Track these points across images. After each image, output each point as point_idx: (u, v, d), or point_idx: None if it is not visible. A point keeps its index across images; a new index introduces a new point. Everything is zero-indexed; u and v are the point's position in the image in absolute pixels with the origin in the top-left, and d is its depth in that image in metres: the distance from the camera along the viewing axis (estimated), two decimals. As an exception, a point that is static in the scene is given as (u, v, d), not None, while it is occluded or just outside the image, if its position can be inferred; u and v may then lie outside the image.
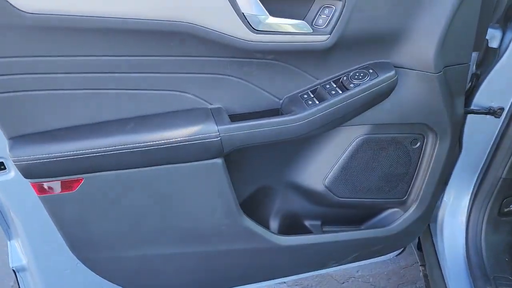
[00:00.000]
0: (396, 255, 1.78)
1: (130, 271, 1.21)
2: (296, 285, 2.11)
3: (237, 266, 1.29)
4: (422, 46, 1.07)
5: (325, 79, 1.12)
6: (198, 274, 1.28)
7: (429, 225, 1.64)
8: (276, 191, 1.32)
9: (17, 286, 1.43)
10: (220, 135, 1.02)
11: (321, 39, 1.02)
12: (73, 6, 0.87)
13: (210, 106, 1.07)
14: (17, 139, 0.95)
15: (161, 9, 0.91)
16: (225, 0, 0.93)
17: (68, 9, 0.87)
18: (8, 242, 1.34)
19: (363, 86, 1.07)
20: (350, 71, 1.11)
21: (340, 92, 1.08)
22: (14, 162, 0.94)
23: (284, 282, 2.12)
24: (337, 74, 1.12)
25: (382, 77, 1.08)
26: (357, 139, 1.20)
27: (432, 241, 1.65)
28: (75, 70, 0.94)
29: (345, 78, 1.10)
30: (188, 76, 1.03)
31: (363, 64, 1.12)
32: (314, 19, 1.02)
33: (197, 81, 1.04)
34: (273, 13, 0.99)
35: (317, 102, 1.07)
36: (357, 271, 2.19)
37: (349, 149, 1.21)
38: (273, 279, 1.45)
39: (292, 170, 1.28)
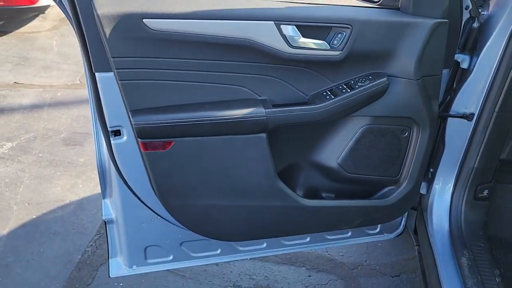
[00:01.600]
0: (395, 236, 2.20)
1: (197, 216, 1.67)
2: (313, 268, 2.52)
3: (272, 221, 1.75)
4: (406, 61, 1.56)
5: (338, 82, 1.61)
6: (243, 225, 1.74)
7: (422, 213, 2.07)
8: (301, 167, 1.79)
9: (105, 236, 1.90)
10: (266, 115, 1.51)
11: (335, 54, 1.52)
12: (182, 26, 1.39)
13: (259, 98, 1.57)
14: (136, 111, 1.45)
15: (232, 29, 1.43)
16: (273, 26, 1.44)
17: (178, 28, 1.39)
18: (103, 200, 1.82)
19: (365, 87, 1.56)
20: (356, 77, 1.60)
21: (349, 91, 1.56)
22: (134, 125, 1.43)
23: (303, 266, 2.53)
24: (347, 79, 1.61)
25: (378, 81, 1.57)
26: (362, 128, 1.67)
27: (425, 225, 2.08)
28: (177, 67, 1.45)
29: (352, 82, 1.59)
30: (246, 76, 1.53)
31: (365, 73, 1.61)
32: (331, 40, 1.52)
33: (251, 80, 1.53)
34: (304, 35, 1.49)
35: (332, 97, 1.56)
36: (365, 261, 2.59)
37: (356, 136, 1.68)
38: (299, 234, 1.90)
39: (313, 151, 1.75)
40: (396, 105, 1.64)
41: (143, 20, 1.34)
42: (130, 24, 1.34)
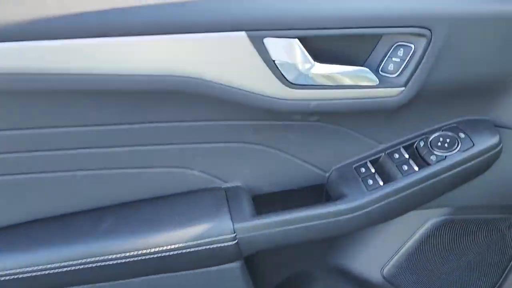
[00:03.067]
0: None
1: None
2: None
3: None
4: None
5: (391, 143, 0.77)
6: None
7: None
8: (316, 278, 0.99)
9: None
10: (238, 236, 0.70)
11: (391, 94, 0.68)
12: (37, 61, 0.57)
13: (224, 185, 0.75)
14: None
15: (158, 60, 0.60)
16: (247, 41, 0.60)
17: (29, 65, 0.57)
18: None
19: (452, 161, 0.72)
20: (429, 133, 0.76)
21: (416, 167, 0.73)
22: None
23: None
24: (409, 137, 0.77)
25: (480, 146, 0.73)
26: (432, 221, 0.86)
27: None
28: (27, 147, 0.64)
29: (422, 143, 0.75)
30: (192, 147, 0.71)
31: (449, 123, 0.77)
32: (381, 63, 0.67)
33: (205, 152, 0.72)
34: (320, 58, 0.65)
35: (381, 183, 0.73)
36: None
37: (419, 232, 0.87)
38: None
39: (338, 254, 0.95)
40: (510, 186, 0.81)
41: None
42: None
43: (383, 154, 0.77)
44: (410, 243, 0.88)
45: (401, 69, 0.67)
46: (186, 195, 0.73)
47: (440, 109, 0.76)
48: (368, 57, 0.68)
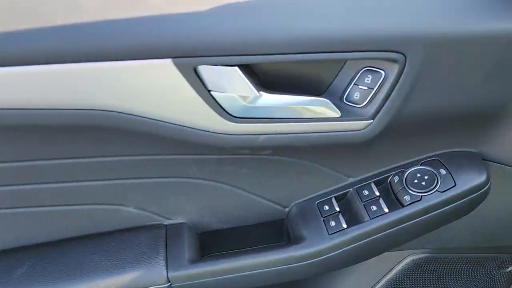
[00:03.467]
0: None
1: None
2: None
3: None
4: None
5: (361, 177, 0.67)
6: None
7: None
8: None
9: None
10: (172, 286, 0.61)
11: (356, 127, 0.57)
12: None
13: (167, 222, 0.66)
14: None
15: (74, 93, 0.50)
16: (175, 71, 0.50)
17: None
18: None
19: (428, 203, 0.62)
20: (406, 166, 0.66)
21: (386, 209, 0.63)
22: None
23: None
24: (382, 170, 0.67)
25: (463, 186, 0.62)
26: (411, 258, 0.76)
27: None
28: None
29: (396, 179, 0.65)
30: (128, 182, 0.61)
31: (429, 155, 0.66)
32: (345, 91, 0.57)
33: (143, 188, 0.62)
34: (270, 85, 0.55)
35: (344, 225, 0.63)
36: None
37: (396, 269, 0.78)
38: None
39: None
40: (497, 226, 0.70)
41: None
42: None
43: (351, 189, 0.67)
44: (385, 281, 0.79)
45: (368, 99, 0.56)
46: (121, 233, 0.64)
47: (419, 139, 0.65)
48: (330, 84, 0.57)
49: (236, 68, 0.51)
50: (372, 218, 0.63)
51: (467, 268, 0.78)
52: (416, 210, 0.62)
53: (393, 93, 0.55)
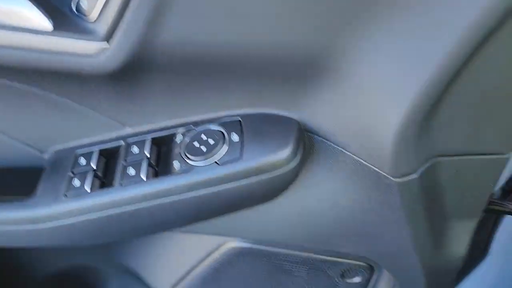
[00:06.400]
0: None
1: None
2: None
3: None
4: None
5: (143, 129, 0.50)
6: None
7: None
8: (107, 276, 0.76)
9: None
10: None
11: (82, 50, 0.39)
12: None
13: None
14: None
15: None
16: None
17: None
18: None
19: (200, 177, 0.44)
20: (197, 124, 0.48)
21: (144, 176, 0.45)
22: None
23: None
24: (167, 123, 0.49)
25: (250, 160, 0.44)
26: (227, 246, 0.59)
27: None
28: None
29: (180, 138, 0.47)
30: None
31: (229, 114, 0.47)
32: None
33: None
34: None
35: (88, 189, 0.46)
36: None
37: (213, 256, 0.61)
38: None
39: (128, 256, 0.71)
40: (323, 224, 0.52)
41: None
42: None
43: (123, 143, 0.49)
44: (203, 266, 0.63)
45: (100, 9, 0.38)
46: None
47: (218, 90, 0.46)
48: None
49: None
50: (125, 185, 0.46)
51: (304, 270, 0.60)
52: (180, 183, 0.44)
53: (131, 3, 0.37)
